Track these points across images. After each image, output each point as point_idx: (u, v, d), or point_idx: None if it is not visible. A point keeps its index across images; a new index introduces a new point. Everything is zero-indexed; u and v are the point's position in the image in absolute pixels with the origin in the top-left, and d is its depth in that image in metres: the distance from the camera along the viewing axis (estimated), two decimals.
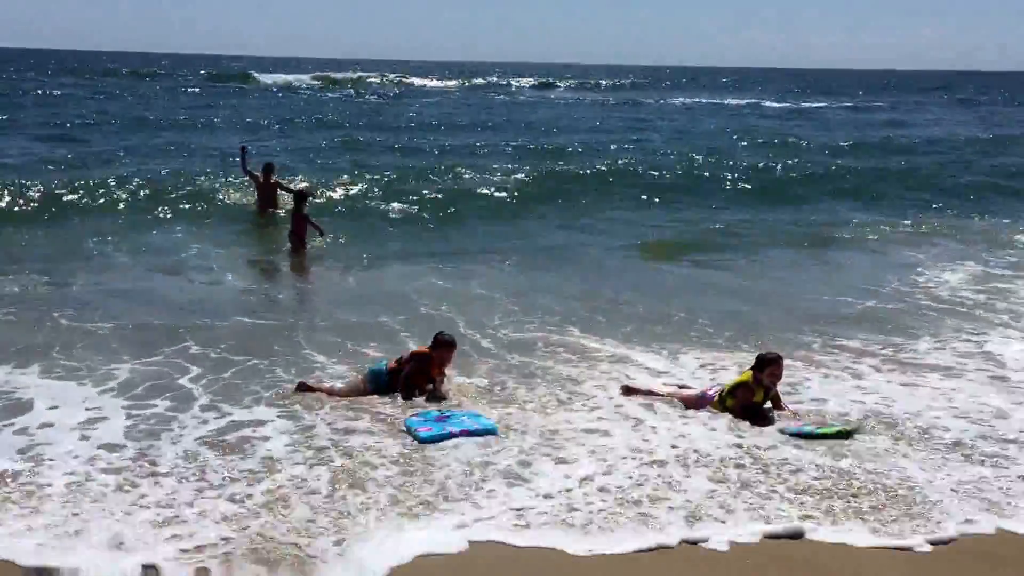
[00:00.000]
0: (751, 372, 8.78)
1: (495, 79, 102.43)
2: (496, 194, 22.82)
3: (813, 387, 9.85)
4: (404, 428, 8.31)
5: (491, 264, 16.37)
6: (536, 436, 8.24)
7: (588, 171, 26.65)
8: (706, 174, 27.31)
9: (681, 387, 9.46)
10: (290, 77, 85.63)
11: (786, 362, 8.92)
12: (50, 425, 8.24)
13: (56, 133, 32.63)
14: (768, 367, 8.68)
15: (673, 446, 8.07)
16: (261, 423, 8.40)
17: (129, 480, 7.08)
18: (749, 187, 25.62)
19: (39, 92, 53.00)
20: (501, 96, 73.79)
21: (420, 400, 9.11)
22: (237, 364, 10.10)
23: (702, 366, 10.50)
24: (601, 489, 7.18)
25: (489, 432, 8.19)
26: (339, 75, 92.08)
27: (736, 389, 8.79)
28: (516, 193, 23.05)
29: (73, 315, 11.98)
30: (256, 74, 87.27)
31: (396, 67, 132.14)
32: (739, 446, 8.07)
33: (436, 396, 9.17)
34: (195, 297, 13.47)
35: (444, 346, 9.34)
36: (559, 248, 17.94)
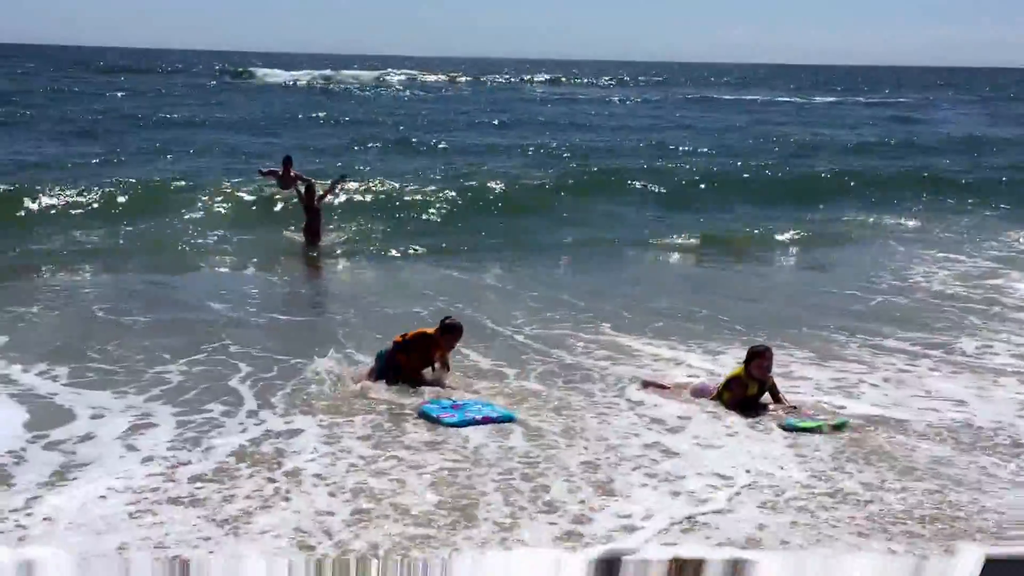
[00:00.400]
0: (743, 366, 8.81)
1: (508, 77, 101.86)
2: (510, 191, 22.54)
3: (871, 393, 9.47)
4: (419, 415, 8.33)
5: (505, 260, 16.38)
6: (598, 450, 7.69)
7: (600, 168, 26.48)
8: (717, 170, 27.00)
9: (680, 378, 9.64)
10: (301, 73, 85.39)
11: (838, 363, 8.79)
12: (90, 438, 7.79)
13: (78, 130, 32.40)
14: (755, 360, 8.74)
15: (746, 470, 7.37)
16: (298, 432, 7.94)
17: (146, 508, 6.44)
18: (761, 185, 25.29)
19: (53, 88, 52.59)
20: (515, 93, 73.34)
21: (422, 388, 9.12)
22: (281, 362, 9.92)
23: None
24: (650, 517, 6.46)
25: (508, 420, 8.20)
26: (359, 73, 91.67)
27: (730, 383, 8.84)
28: (531, 190, 22.84)
29: (110, 309, 12.06)
30: (269, 71, 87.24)
31: (397, 63, 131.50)
32: (816, 472, 7.37)
33: (441, 383, 9.18)
34: (224, 292, 13.48)
35: (451, 331, 9.27)
36: (573, 245, 17.89)
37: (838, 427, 8.27)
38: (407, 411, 8.51)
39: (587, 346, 10.89)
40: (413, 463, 7.32)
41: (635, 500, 6.79)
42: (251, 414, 8.39)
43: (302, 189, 17.13)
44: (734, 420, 8.50)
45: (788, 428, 8.25)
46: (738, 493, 6.93)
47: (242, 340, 10.71)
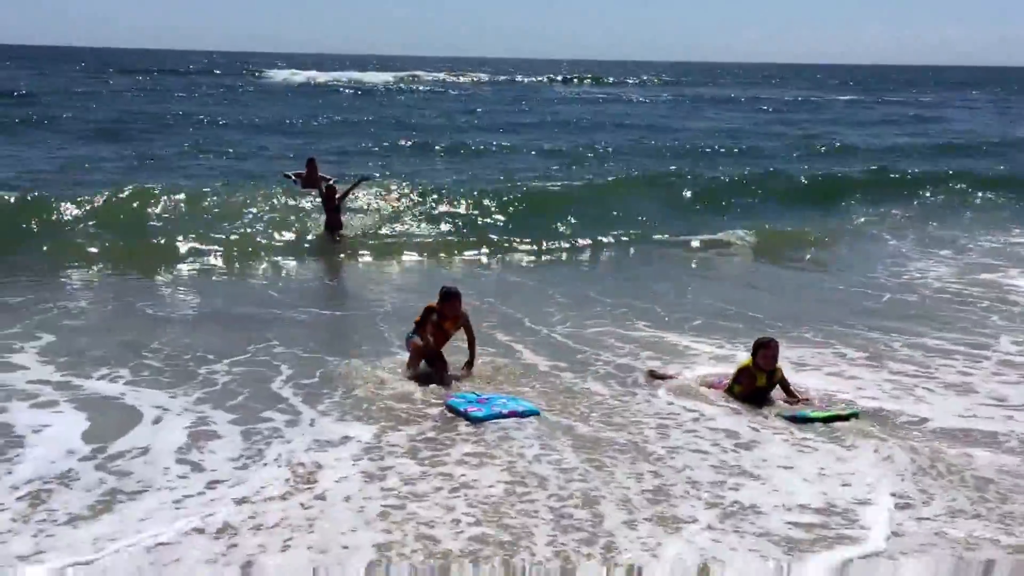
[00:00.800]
0: (751, 358, 8.77)
1: (529, 77, 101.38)
2: (533, 190, 21.92)
3: (939, 400, 8.86)
4: (447, 408, 8.23)
5: (523, 257, 16.41)
6: (663, 473, 7.01)
7: (621, 168, 26.25)
8: (737, 170, 26.46)
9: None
10: (328, 74, 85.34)
11: (895, 365, 8.60)
12: (146, 452, 7.26)
13: (111, 131, 32.09)
14: (760, 351, 8.69)
15: (830, 501, 6.58)
16: (345, 441, 7.50)
17: (169, 540, 5.84)
18: (781, 184, 24.67)
19: (77, 91, 51.77)
20: (536, 93, 72.73)
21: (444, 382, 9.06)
22: (326, 363, 9.63)
23: (801, 364, 10.06)
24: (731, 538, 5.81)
25: (532, 413, 8.12)
26: (384, 74, 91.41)
27: (740, 375, 8.81)
28: (553, 190, 22.29)
29: (156, 306, 12.13)
30: (296, 71, 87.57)
31: (415, 64, 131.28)
32: (904, 497, 6.66)
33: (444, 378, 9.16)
34: (260, 291, 13.54)
35: (447, 297, 9.31)
36: (589, 246, 17.72)
37: (849, 417, 8.19)
38: (459, 418, 8.12)
39: (633, 347, 10.59)
40: (460, 482, 6.73)
41: (708, 543, 5.89)
42: (298, 423, 7.96)
43: (324, 189, 17.34)
44: (808, 434, 7.93)
45: (799, 419, 8.18)
46: (824, 535, 6.08)
47: (285, 339, 10.50)
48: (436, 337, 9.30)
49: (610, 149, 31.75)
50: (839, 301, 13.42)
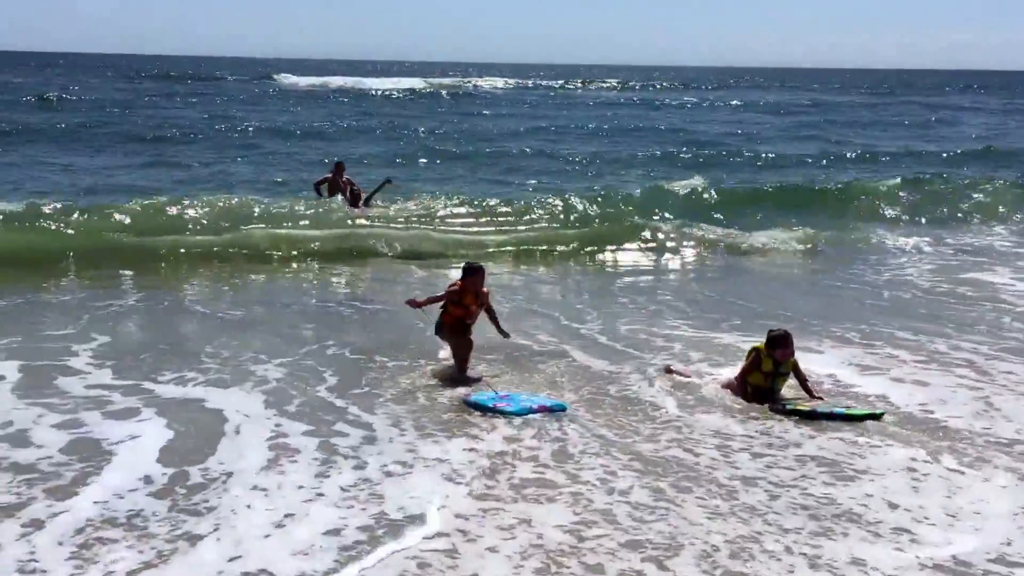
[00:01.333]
0: (764, 346, 8.47)
1: (548, 81, 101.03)
2: (555, 194, 20.96)
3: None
4: (470, 406, 8.05)
5: (553, 260, 16.34)
6: (743, 515, 6.00)
7: (637, 171, 26.15)
8: (754, 174, 26.27)
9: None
10: (347, 80, 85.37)
11: (957, 371, 8.53)
12: (225, 480, 6.46)
13: (151, 139, 31.93)
14: (778, 347, 8.33)
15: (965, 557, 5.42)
16: (406, 472, 6.66)
17: None
18: (798, 190, 23.96)
19: (115, 99, 51.23)
20: (549, 98, 72.13)
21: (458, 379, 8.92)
22: (382, 369, 9.33)
23: (864, 367, 9.68)
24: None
25: (560, 409, 7.97)
26: (412, 79, 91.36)
27: (748, 355, 8.52)
28: (577, 194, 21.27)
29: (204, 305, 12.11)
30: (331, 78, 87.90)
31: (420, 69, 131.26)
32: None
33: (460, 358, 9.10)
34: (303, 292, 13.41)
35: (470, 273, 9.12)
36: (614, 249, 17.49)
37: (878, 416, 8.00)
38: (519, 434, 7.49)
39: (681, 347, 10.25)
40: (515, 519, 5.80)
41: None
42: (367, 440, 7.36)
43: (349, 192, 17.53)
44: (915, 456, 6.98)
45: (823, 415, 7.97)
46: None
47: (337, 342, 10.24)
48: (456, 314, 9.08)
49: (638, 153, 31.57)
50: (859, 300, 13.19)
